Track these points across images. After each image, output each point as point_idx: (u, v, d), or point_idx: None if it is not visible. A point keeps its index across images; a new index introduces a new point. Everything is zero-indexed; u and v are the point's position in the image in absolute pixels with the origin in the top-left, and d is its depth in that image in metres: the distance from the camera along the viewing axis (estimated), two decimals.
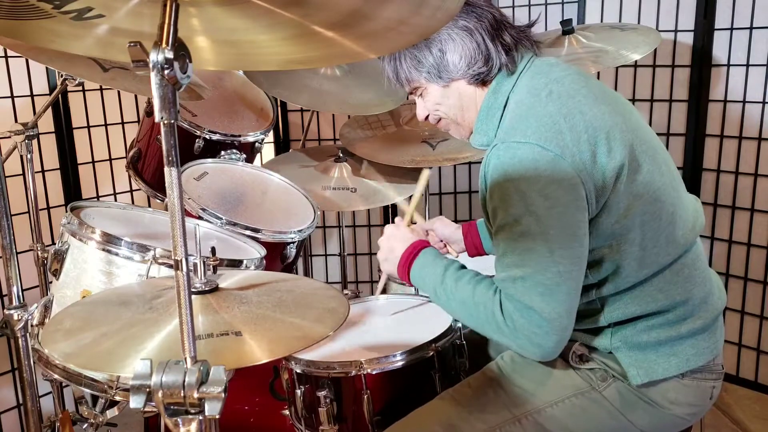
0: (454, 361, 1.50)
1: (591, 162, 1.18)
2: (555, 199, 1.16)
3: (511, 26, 1.32)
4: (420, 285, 1.38)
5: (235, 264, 1.52)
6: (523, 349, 1.21)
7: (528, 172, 1.16)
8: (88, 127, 2.45)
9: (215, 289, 1.12)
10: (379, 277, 1.68)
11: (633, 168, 1.21)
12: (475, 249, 1.72)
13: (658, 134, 1.37)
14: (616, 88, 2.61)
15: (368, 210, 2.95)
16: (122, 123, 2.55)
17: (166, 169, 0.74)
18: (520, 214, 1.17)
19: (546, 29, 2.64)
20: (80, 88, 2.39)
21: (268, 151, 2.85)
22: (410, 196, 1.56)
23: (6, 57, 2.19)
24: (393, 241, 1.43)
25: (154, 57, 0.70)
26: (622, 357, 1.28)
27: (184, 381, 0.75)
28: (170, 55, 0.70)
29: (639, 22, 2.56)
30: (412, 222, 1.59)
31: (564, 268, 1.17)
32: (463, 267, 1.33)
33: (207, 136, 2.05)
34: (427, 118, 1.44)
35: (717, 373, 1.34)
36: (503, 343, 1.25)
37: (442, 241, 1.78)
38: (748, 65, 2.41)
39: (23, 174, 2.19)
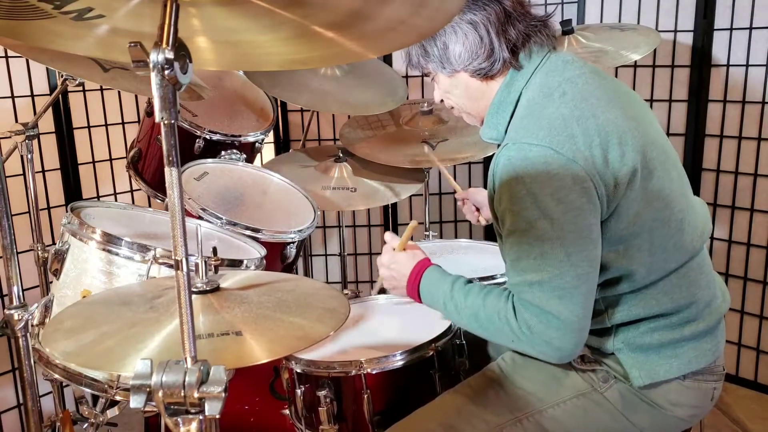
0: (454, 360, 1.50)
1: (603, 166, 1.16)
2: (569, 202, 1.15)
3: (524, 18, 1.28)
4: (430, 303, 1.37)
5: (236, 264, 1.52)
6: (542, 354, 1.21)
7: (540, 175, 1.15)
8: (89, 127, 2.45)
9: (216, 288, 1.12)
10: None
11: (645, 174, 1.20)
12: None
13: None
14: None
15: (368, 210, 2.95)
16: (122, 123, 2.55)
17: (166, 169, 0.74)
18: (534, 218, 1.16)
19: None
20: (80, 88, 2.39)
21: (268, 151, 2.86)
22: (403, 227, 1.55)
23: (6, 57, 2.19)
24: (395, 269, 1.42)
25: (155, 57, 0.70)
26: (624, 358, 1.28)
27: (184, 381, 0.75)
28: (170, 55, 0.70)
29: (638, 23, 2.57)
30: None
31: (582, 271, 1.17)
32: (470, 281, 1.33)
33: (207, 136, 2.05)
34: (442, 101, 1.43)
35: (718, 374, 1.34)
36: (520, 350, 1.24)
37: (475, 207, 1.85)
38: (747, 65, 2.41)
39: (23, 174, 2.19)
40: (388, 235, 1.48)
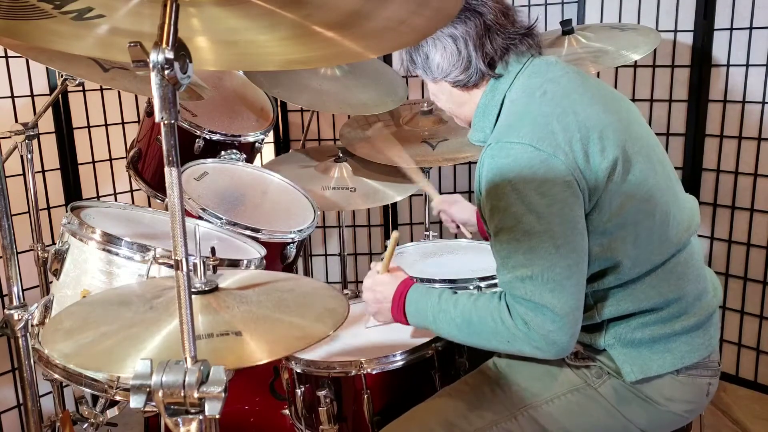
0: (454, 360, 1.50)
1: (584, 161, 1.19)
2: (552, 196, 1.16)
3: (504, 30, 1.30)
4: (418, 322, 1.35)
5: (235, 264, 1.52)
6: (539, 350, 1.20)
7: (523, 171, 1.17)
8: (89, 127, 2.45)
9: (215, 289, 1.12)
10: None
11: (625, 167, 1.22)
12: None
13: (658, 134, 1.37)
14: (615, 88, 2.62)
15: (368, 210, 2.95)
16: (122, 123, 2.55)
17: (166, 169, 0.74)
18: (520, 213, 1.17)
19: (546, 29, 2.64)
20: (80, 88, 2.39)
21: (268, 151, 2.86)
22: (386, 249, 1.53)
23: (6, 57, 2.19)
24: (377, 291, 1.41)
25: (155, 57, 0.70)
26: (616, 354, 1.29)
27: (184, 381, 0.75)
28: (170, 55, 0.70)
29: (639, 22, 2.57)
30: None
31: (572, 262, 1.18)
32: (455, 292, 1.33)
33: (207, 136, 2.05)
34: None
35: (713, 369, 1.34)
36: (516, 351, 1.24)
37: (454, 222, 1.83)
38: (747, 65, 2.41)
39: (23, 174, 2.19)
40: (374, 264, 1.49)
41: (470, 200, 2.94)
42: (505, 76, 1.31)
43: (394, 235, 1.49)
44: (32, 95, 2.28)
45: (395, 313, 1.37)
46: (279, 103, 2.58)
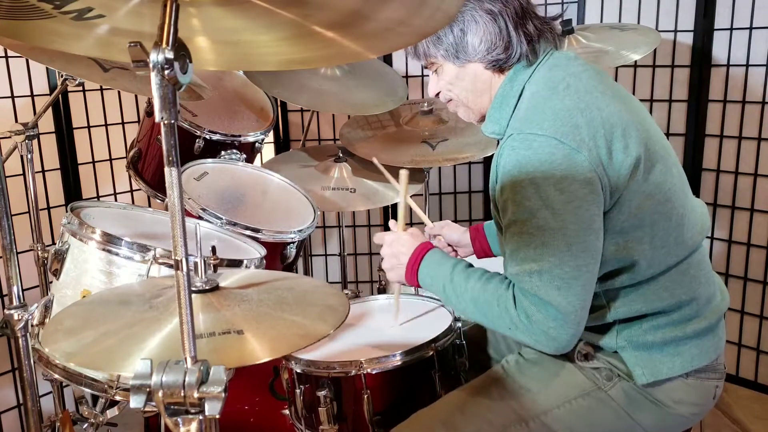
0: (454, 360, 1.50)
1: (607, 157, 1.17)
2: (571, 193, 1.15)
3: (536, 17, 1.30)
4: (429, 286, 1.36)
5: (236, 264, 1.52)
6: (538, 343, 1.20)
7: (543, 165, 1.16)
8: (89, 127, 2.46)
9: (216, 287, 1.12)
10: (381, 283, 1.65)
11: (647, 167, 1.22)
12: (483, 252, 1.73)
13: None
14: None
15: (368, 210, 2.95)
16: (122, 123, 2.55)
17: (166, 169, 0.74)
18: (536, 208, 1.16)
19: None
20: (80, 88, 2.39)
21: (268, 151, 2.86)
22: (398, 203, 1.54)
23: (6, 57, 2.20)
24: (396, 248, 1.41)
25: (155, 57, 0.70)
26: (628, 356, 1.28)
27: (184, 381, 0.75)
28: (170, 55, 0.70)
29: (639, 22, 2.57)
30: (409, 225, 1.56)
31: (582, 262, 1.17)
32: (471, 265, 1.32)
33: (207, 136, 2.06)
34: (438, 95, 1.42)
35: (720, 372, 1.34)
36: (516, 339, 1.24)
37: (450, 245, 1.79)
38: (747, 65, 2.41)
39: (23, 174, 2.19)
40: (393, 223, 1.49)
41: (470, 201, 2.96)
42: (525, 68, 1.29)
43: (403, 175, 1.48)
44: (32, 95, 2.28)
45: (408, 274, 1.38)
46: (279, 103, 2.58)
